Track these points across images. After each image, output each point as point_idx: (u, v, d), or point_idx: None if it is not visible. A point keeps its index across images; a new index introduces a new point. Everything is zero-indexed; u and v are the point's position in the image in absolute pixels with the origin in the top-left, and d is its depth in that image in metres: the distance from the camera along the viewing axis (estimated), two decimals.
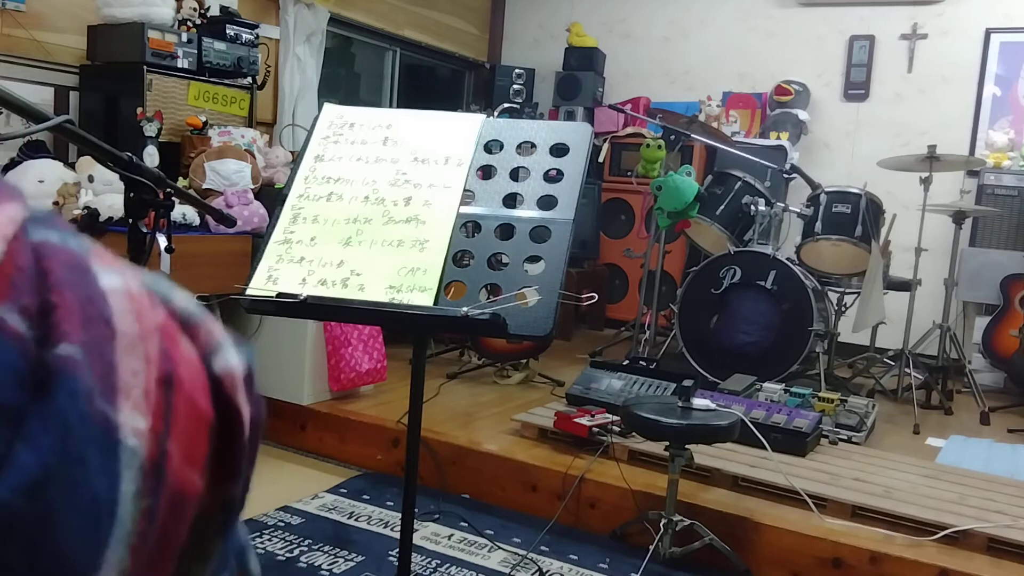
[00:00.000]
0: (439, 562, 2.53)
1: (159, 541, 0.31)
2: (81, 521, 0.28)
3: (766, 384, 3.61)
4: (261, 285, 1.67)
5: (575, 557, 2.62)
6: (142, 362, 0.31)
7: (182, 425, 0.32)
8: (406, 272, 1.65)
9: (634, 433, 2.87)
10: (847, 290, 4.42)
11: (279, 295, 1.64)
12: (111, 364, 0.29)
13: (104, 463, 0.28)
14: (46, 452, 0.27)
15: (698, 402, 2.51)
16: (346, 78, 5.93)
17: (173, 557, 0.32)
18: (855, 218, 4.02)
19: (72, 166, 3.26)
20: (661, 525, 2.50)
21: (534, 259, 1.64)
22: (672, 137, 4.26)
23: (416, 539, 2.61)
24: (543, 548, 2.67)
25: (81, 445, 0.28)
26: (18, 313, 0.27)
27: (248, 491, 0.37)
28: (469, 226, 1.71)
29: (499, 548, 2.66)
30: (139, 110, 3.43)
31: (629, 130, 5.87)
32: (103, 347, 0.29)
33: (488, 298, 1.61)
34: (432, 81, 6.63)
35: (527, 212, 1.70)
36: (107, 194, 3.01)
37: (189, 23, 3.76)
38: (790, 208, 4.23)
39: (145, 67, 3.52)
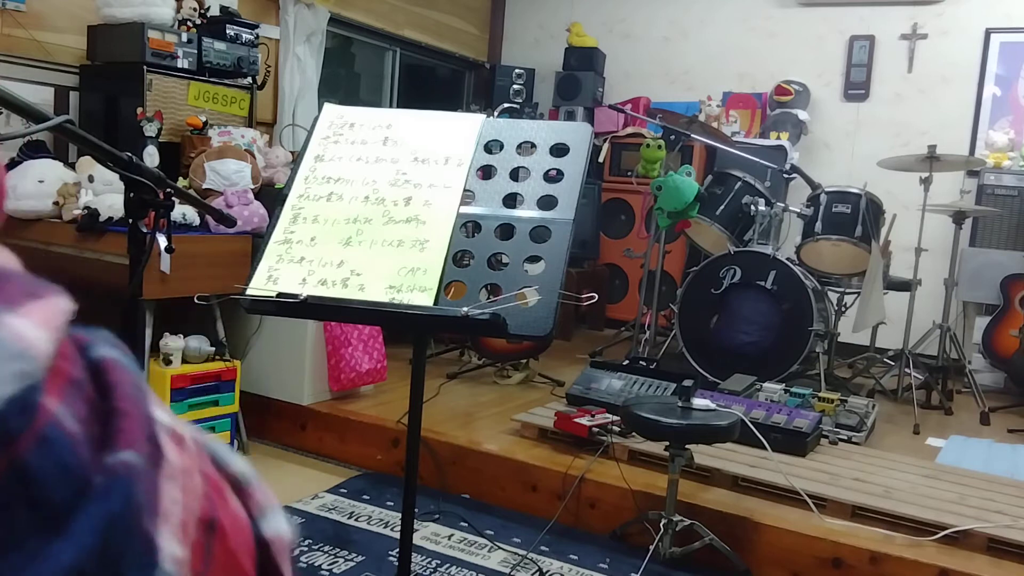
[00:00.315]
0: (439, 562, 2.53)
1: None
2: None
3: (766, 384, 3.61)
4: (261, 285, 1.67)
5: (575, 557, 2.62)
6: (180, 494, 0.31)
7: (222, 574, 0.32)
8: (406, 272, 1.65)
9: (634, 433, 2.87)
10: (847, 290, 4.42)
11: (279, 295, 1.64)
12: (156, 486, 0.29)
13: None
14: (85, 553, 0.26)
15: (698, 402, 2.51)
16: (346, 78, 5.93)
17: None
18: (855, 218, 4.02)
19: (72, 166, 3.26)
20: (661, 525, 2.50)
21: (534, 259, 1.64)
22: (672, 137, 4.26)
23: (416, 539, 2.61)
24: (543, 548, 2.67)
25: (121, 556, 0.27)
26: (72, 413, 0.27)
27: None
28: (469, 226, 1.71)
29: (499, 548, 2.66)
30: (139, 110, 3.43)
31: (629, 130, 5.87)
32: (153, 467, 0.29)
33: (488, 298, 1.61)
34: (432, 81, 6.63)
35: (527, 212, 1.70)
36: (107, 194, 3.01)
37: (189, 23, 3.76)
38: (790, 208, 4.23)
39: (145, 67, 3.52)
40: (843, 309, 4.43)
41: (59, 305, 0.29)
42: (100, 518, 0.27)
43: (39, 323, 0.27)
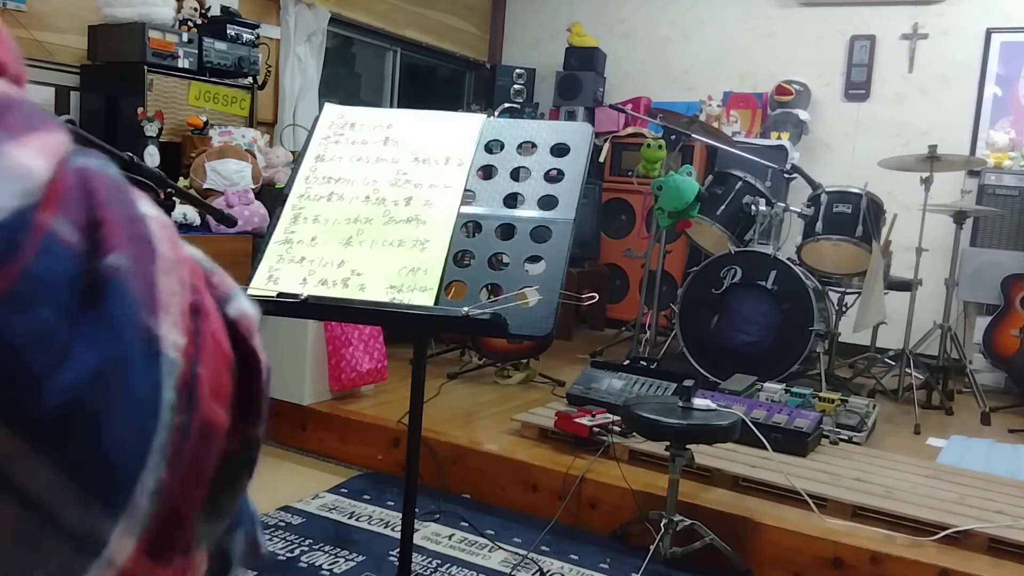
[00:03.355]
0: (440, 562, 2.53)
1: (191, 465, 0.32)
2: (131, 419, 0.29)
3: (767, 384, 3.61)
4: (262, 285, 1.67)
5: (576, 557, 2.62)
6: (178, 285, 0.33)
7: (210, 357, 0.34)
8: (407, 272, 1.65)
9: (635, 433, 2.87)
10: (848, 290, 4.42)
11: (280, 295, 1.64)
12: (152, 281, 0.31)
13: (148, 370, 0.30)
14: (103, 349, 0.29)
15: (699, 402, 2.51)
16: (347, 78, 5.93)
17: (204, 484, 0.34)
18: (856, 218, 4.02)
19: None
20: (662, 525, 2.49)
21: (535, 259, 1.64)
22: (673, 137, 4.27)
23: (417, 539, 2.61)
24: (543, 548, 2.67)
25: (130, 349, 0.30)
26: (70, 225, 0.29)
27: (264, 435, 0.39)
28: (470, 226, 1.71)
29: (500, 548, 2.66)
30: (140, 110, 3.43)
31: (630, 130, 5.87)
32: (145, 264, 0.31)
33: (489, 298, 1.61)
34: (432, 81, 6.63)
35: (528, 212, 1.70)
36: None
37: (190, 23, 3.76)
38: (791, 208, 4.23)
39: (146, 67, 3.52)
40: (844, 309, 4.43)
41: (58, 138, 0.31)
42: (103, 320, 0.29)
43: (38, 152, 0.29)
